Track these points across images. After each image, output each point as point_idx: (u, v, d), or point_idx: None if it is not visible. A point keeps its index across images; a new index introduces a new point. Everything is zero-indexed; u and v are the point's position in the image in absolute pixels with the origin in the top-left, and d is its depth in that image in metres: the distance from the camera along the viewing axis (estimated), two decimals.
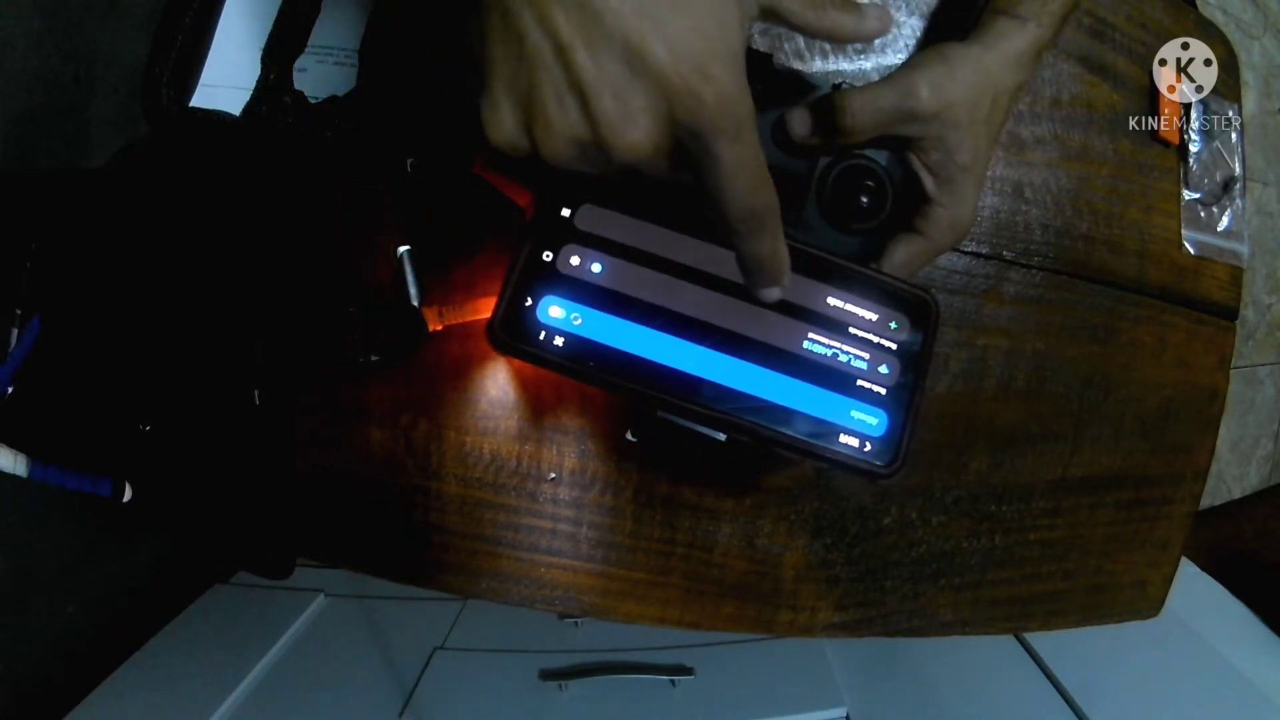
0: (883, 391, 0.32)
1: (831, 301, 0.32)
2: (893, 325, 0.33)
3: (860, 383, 0.32)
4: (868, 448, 0.31)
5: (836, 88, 0.34)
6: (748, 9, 0.27)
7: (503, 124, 0.26)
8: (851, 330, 0.32)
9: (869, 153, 0.35)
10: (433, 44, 0.42)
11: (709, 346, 0.31)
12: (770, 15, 0.29)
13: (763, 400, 0.31)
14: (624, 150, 0.25)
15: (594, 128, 0.24)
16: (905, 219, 0.35)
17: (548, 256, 0.31)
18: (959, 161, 0.34)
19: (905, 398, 0.32)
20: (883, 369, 0.32)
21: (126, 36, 0.45)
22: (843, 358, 0.32)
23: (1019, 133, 0.46)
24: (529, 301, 0.30)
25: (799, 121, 0.34)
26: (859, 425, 0.31)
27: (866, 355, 0.32)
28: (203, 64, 0.44)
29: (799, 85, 0.35)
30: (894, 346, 0.32)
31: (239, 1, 0.44)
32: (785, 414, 0.31)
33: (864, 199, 0.34)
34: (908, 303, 0.33)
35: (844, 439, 0.31)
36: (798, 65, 0.43)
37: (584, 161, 0.26)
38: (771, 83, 0.35)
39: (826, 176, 0.35)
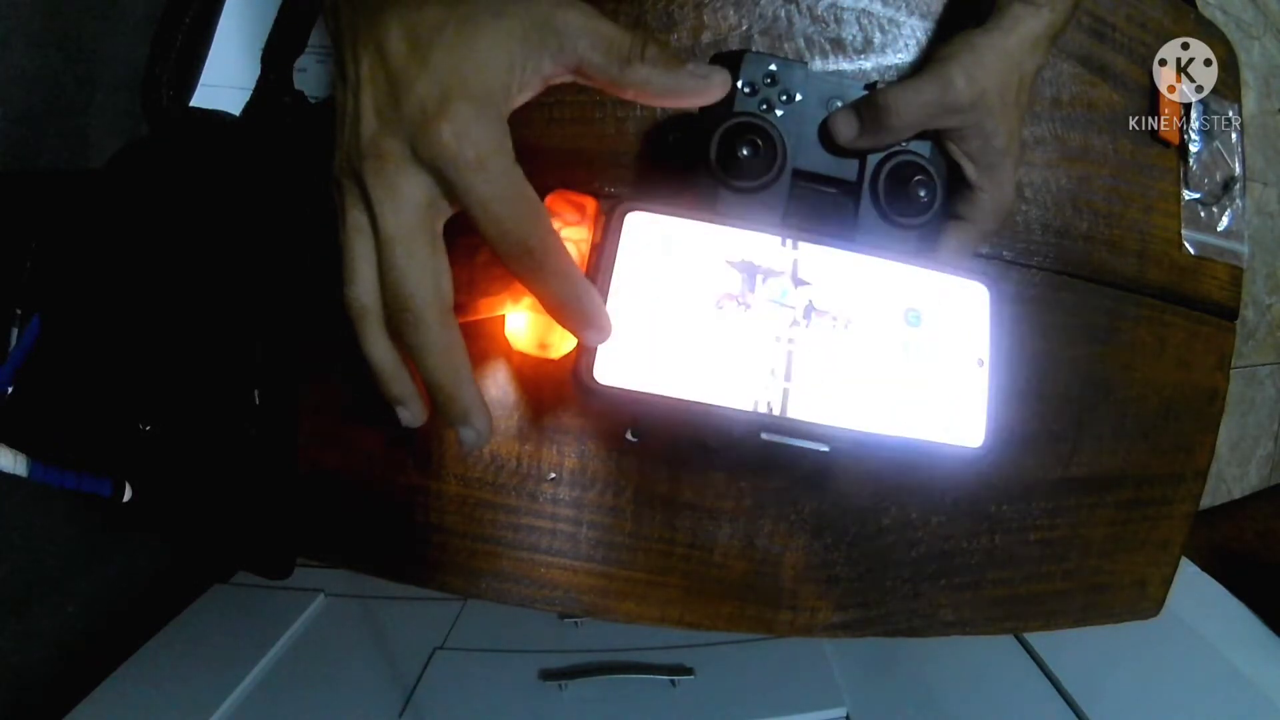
0: (960, 379, 0.32)
1: (903, 301, 0.33)
2: (957, 316, 0.33)
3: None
4: (956, 432, 0.32)
5: (871, 87, 0.35)
6: (532, 63, 0.27)
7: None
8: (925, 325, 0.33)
9: (912, 147, 0.35)
10: None
11: None
12: (577, 72, 0.28)
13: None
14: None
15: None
16: (951, 208, 0.36)
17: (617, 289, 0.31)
18: (996, 146, 0.35)
19: (982, 381, 0.33)
20: (956, 358, 0.33)
21: (126, 36, 0.45)
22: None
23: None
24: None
25: (844, 124, 0.35)
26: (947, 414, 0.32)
27: (940, 348, 0.33)
28: (203, 64, 0.44)
29: (834, 88, 0.36)
30: (962, 336, 0.33)
31: (239, 1, 0.44)
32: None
33: (922, 194, 0.34)
34: (967, 294, 0.33)
35: (933, 429, 0.32)
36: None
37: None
38: (809, 89, 0.35)
39: (877, 176, 0.35)
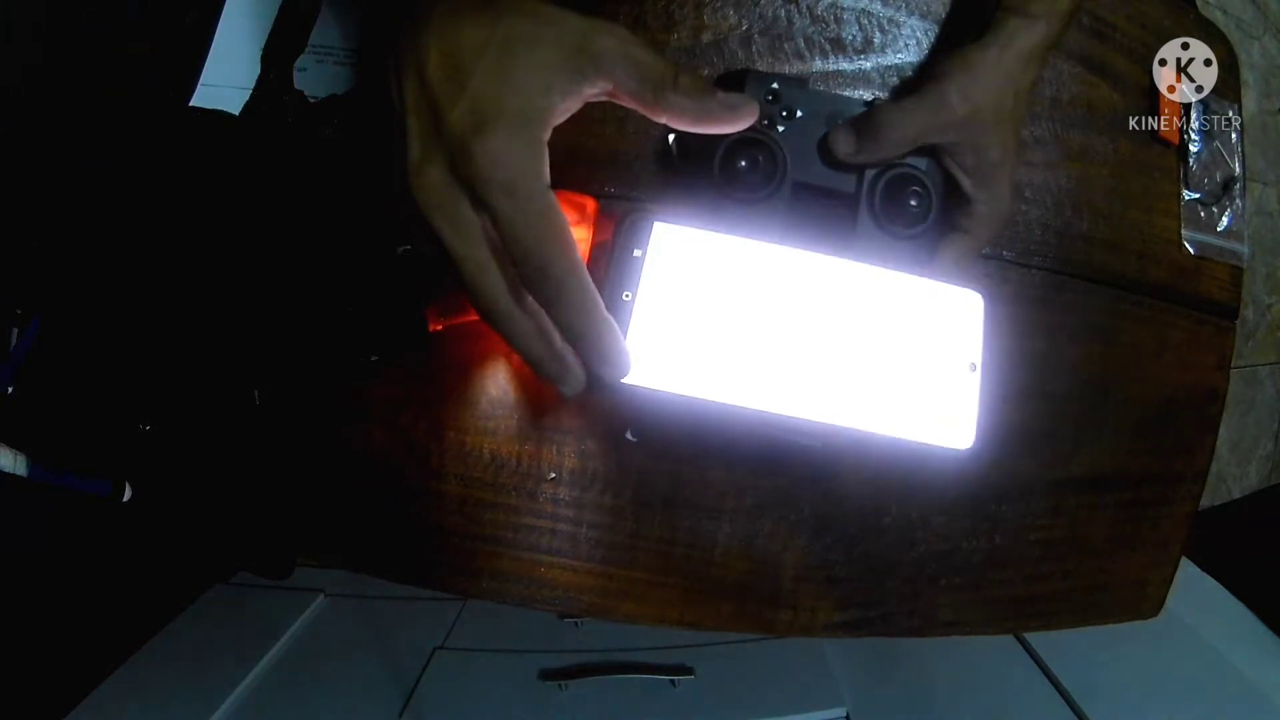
0: (953, 382, 0.34)
1: (899, 308, 0.34)
2: (952, 322, 0.34)
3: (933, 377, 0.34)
4: (946, 433, 0.33)
5: (870, 104, 0.36)
6: (571, 85, 0.28)
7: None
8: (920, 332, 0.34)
9: (909, 160, 0.36)
10: None
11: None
12: (612, 95, 0.29)
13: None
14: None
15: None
16: (948, 219, 0.37)
17: (627, 296, 0.33)
18: (991, 160, 0.35)
19: (974, 385, 0.34)
20: (950, 362, 0.34)
21: (125, 36, 0.45)
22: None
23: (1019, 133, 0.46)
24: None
25: (843, 141, 0.35)
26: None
27: (934, 352, 0.34)
28: (203, 64, 0.44)
29: (835, 105, 0.37)
30: (956, 341, 0.34)
31: (239, 1, 0.44)
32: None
33: (914, 204, 0.36)
34: (962, 301, 0.35)
35: (924, 430, 0.33)
36: (798, 66, 0.43)
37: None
38: (809, 106, 0.36)
39: (874, 189, 0.36)
